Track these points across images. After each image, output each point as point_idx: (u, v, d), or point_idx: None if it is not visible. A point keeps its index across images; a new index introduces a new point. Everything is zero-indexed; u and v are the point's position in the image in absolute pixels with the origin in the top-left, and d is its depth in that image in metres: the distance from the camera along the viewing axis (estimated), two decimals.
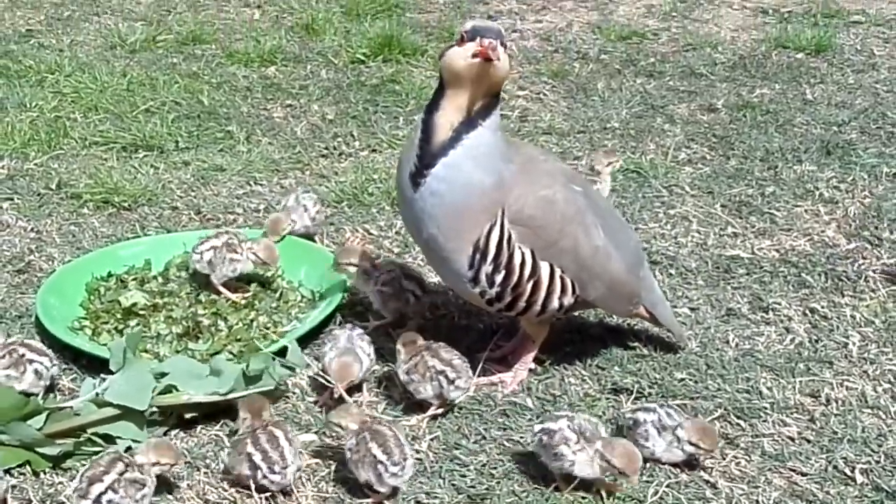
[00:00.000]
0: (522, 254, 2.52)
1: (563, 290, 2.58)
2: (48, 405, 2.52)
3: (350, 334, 2.65)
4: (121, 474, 2.24)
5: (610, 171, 3.46)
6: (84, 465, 2.33)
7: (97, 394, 2.53)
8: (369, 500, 2.33)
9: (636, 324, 2.89)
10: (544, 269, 2.55)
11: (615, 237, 2.64)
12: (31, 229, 3.39)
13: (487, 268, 2.50)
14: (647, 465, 2.39)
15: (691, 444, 2.38)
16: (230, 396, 2.53)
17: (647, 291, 2.73)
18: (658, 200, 3.56)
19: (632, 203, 3.53)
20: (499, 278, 2.52)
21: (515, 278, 2.53)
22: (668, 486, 2.36)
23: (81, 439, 2.45)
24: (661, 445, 2.40)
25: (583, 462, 2.30)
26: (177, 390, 2.55)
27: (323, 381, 2.60)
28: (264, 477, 2.31)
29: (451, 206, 2.47)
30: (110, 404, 2.49)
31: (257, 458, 2.31)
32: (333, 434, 2.42)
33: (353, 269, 2.89)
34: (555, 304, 2.58)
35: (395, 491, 2.32)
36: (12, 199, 3.56)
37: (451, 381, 2.53)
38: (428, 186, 2.47)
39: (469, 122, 2.44)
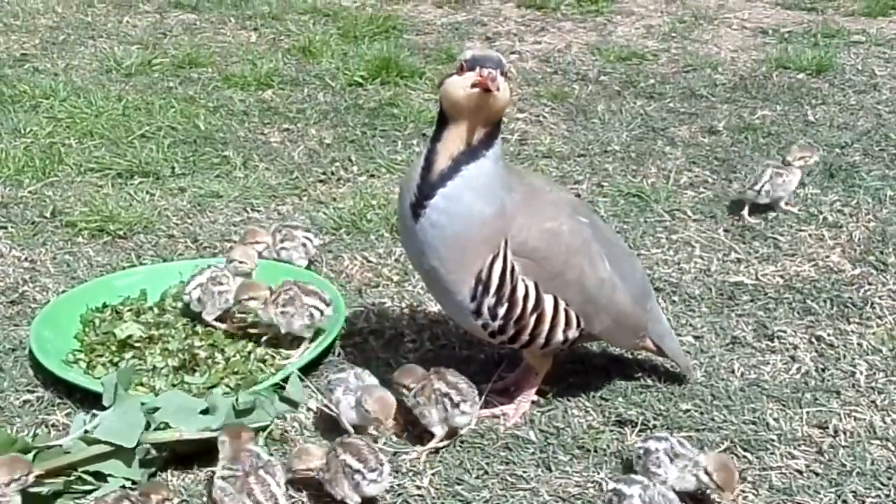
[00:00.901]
0: (526, 286, 2.47)
1: (568, 324, 2.53)
2: (37, 443, 2.45)
3: (356, 372, 2.61)
4: None
5: (801, 166, 3.57)
6: None
7: (86, 431, 2.48)
8: None
9: (640, 354, 2.84)
10: (548, 302, 2.50)
11: (621, 268, 2.59)
12: (25, 258, 3.35)
13: (490, 300, 2.46)
14: None
15: (706, 472, 2.32)
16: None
17: (653, 323, 2.68)
18: (660, 225, 3.52)
19: (633, 228, 3.49)
20: (502, 311, 2.47)
21: (518, 311, 2.48)
22: None
23: (72, 478, 2.39)
24: (673, 473, 2.34)
25: None
26: (169, 427, 2.50)
27: (332, 414, 2.56)
28: None
29: (451, 237, 2.42)
30: (101, 441, 2.44)
31: None
32: (301, 478, 2.39)
33: (253, 304, 2.86)
34: (559, 337, 2.54)
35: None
36: (6, 228, 3.52)
37: (456, 405, 2.48)
38: (428, 217, 2.42)
39: (470, 153, 2.40)
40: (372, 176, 3.88)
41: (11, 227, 3.52)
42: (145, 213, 3.57)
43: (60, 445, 2.46)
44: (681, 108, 4.43)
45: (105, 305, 3.00)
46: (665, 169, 3.90)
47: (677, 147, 4.08)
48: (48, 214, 3.58)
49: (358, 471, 2.29)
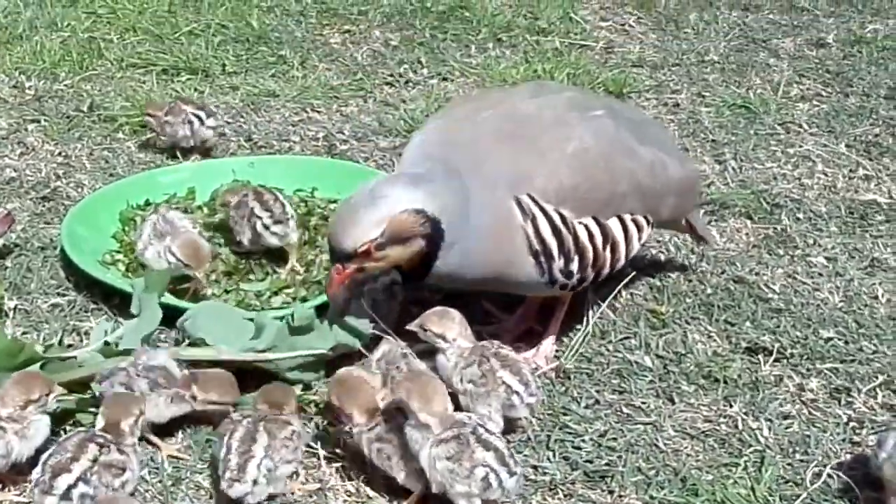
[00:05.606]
0: (586, 227, 2.06)
1: (640, 229, 2.15)
2: (49, 354, 2.05)
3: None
4: (94, 460, 1.75)
5: None
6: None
7: (107, 342, 2.09)
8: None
9: (764, 273, 2.45)
10: (614, 226, 2.10)
11: (654, 138, 2.21)
12: (59, 153, 2.97)
13: (558, 263, 2.04)
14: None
15: None
16: (269, 357, 2.04)
17: None
18: (773, 138, 3.11)
19: (744, 140, 3.08)
20: (575, 266, 2.06)
21: (591, 255, 2.07)
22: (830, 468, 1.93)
23: (87, 396, 1.97)
24: None
25: None
26: (206, 343, 2.07)
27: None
28: None
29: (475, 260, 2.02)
30: (120, 353, 2.03)
31: None
32: (429, 342, 2.02)
33: None
34: (636, 247, 2.16)
35: None
36: (39, 122, 3.14)
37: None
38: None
39: None
40: (444, 79, 3.48)
41: (45, 121, 3.14)
42: None
43: (75, 357, 2.06)
44: (781, 20, 3.99)
45: (148, 203, 2.61)
46: (771, 80, 3.48)
47: (782, 59, 3.65)
48: (85, 108, 3.20)
49: (516, 392, 1.94)
